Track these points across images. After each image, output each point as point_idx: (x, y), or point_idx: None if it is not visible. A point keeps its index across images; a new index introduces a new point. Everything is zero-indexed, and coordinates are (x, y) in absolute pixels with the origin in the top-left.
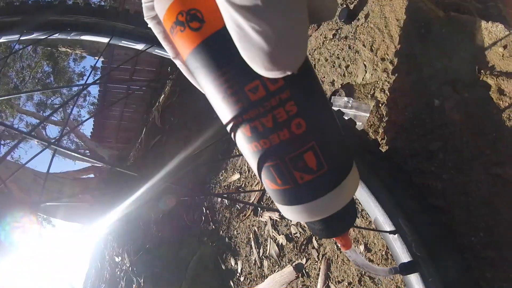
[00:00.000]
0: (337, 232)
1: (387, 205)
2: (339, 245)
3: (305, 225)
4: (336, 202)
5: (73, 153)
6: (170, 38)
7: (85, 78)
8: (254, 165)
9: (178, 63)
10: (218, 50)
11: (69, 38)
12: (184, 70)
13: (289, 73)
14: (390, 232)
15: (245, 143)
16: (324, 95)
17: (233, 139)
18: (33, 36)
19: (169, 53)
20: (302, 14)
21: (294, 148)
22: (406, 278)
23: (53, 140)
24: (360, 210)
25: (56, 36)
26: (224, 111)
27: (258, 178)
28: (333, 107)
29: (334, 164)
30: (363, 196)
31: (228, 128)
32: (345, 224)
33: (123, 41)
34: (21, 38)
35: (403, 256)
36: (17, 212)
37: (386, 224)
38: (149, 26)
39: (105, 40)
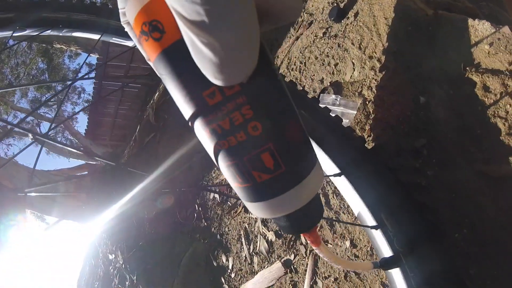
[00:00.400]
0: (303, 229)
1: (370, 200)
2: (309, 242)
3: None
4: (296, 200)
5: (60, 145)
6: None
7: (80, 75)
8: (217, 163)
9: (152, 66)
10: (177, 58)
11: (61, 34)
12: (157, 73)
13: (237, 83)
14: (371, 227)
15: (206, 144)
16: (285, 96)
17: (198, 139)
18: (26, 32)
19: (145, 57)
20: (250, 28)
21: (251, 150)
22: (388, 273)
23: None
24: (346, 206)
25: (48, 32)
26: (187, 115)
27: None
28: (320, 105)
29: (292, 164)
30: (347, 192)
31: (192, 128)
32: (310, 221)
33: (114, 38)
34: (14, 34)
35: (385, 251)
36: (11, 209)
37: (369, 219)
38: (125, 30)
39: (96, 36)
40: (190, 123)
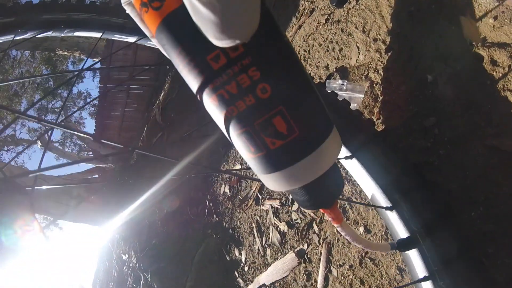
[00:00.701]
0: (324, 203)
1: (383, 182)
2: (330, 219)
3: (302, 209)
4: (314, 168)
5: (70, 132)
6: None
7: (84, 80)
8: (228, 134)
9: (155, 42)
10: (179, 25)
11: (62, 35)
12: (160, 48)
13: (239, 42)
14: (386, 208)
15: (215, 113)
16: (293, 57)
17: (207, 110)
18: (28, 35)
19: (147, 34)
20: None
21: (262, 113)
22: (405, 255)
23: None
24: (358, 192)
25: (50, 34)
26: (192, 83)
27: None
28: (327, 89)
29: (306, 128)
30: (359, 174)
31: (199, 99)
32: (331, 194)
33: (115, 35)
34: (16, 38)
35: (401, 232)
36: (25, 213)
37: (383, 201)
38: (127, 12)
39: (97, 35)
40: (198, 96)
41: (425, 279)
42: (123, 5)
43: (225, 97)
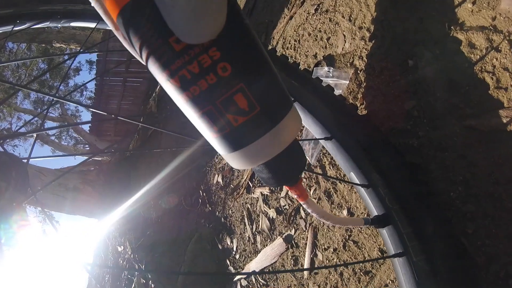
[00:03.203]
0: (287, 180)
1: (361, 162)
2: (295, 197)
3: (290, 195)
4: (276, 143)
5: (73, 104)
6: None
7: (81, 73)
8: (190, 117)
9: (119, 36)
10: (142, 9)
11: (59, 25)
12: (123, 42)
13: (207, 40)
14: (362, 186)
15: (178, 96)
16: (251, 37)
17: (170, 96)
18: (26, 25)
19: (110, 28)
20: None
21: (223, 91)
22: (382, 232)
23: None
24: (342, 176)
25: (47, 24)
26: (154, 67)
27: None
28: (313, 76)
29: (267, 104)
30: (339, 155)
31: (162, 85)
32: (293, 170)
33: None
34: (14, 28)
35: (377, 209)
36: (22, 179)
37: (360, 179)
38: (92, 5)
39: (92, 25)
40: (159, 80)
41: (399, 254)
42: None
43: (187, 77)
